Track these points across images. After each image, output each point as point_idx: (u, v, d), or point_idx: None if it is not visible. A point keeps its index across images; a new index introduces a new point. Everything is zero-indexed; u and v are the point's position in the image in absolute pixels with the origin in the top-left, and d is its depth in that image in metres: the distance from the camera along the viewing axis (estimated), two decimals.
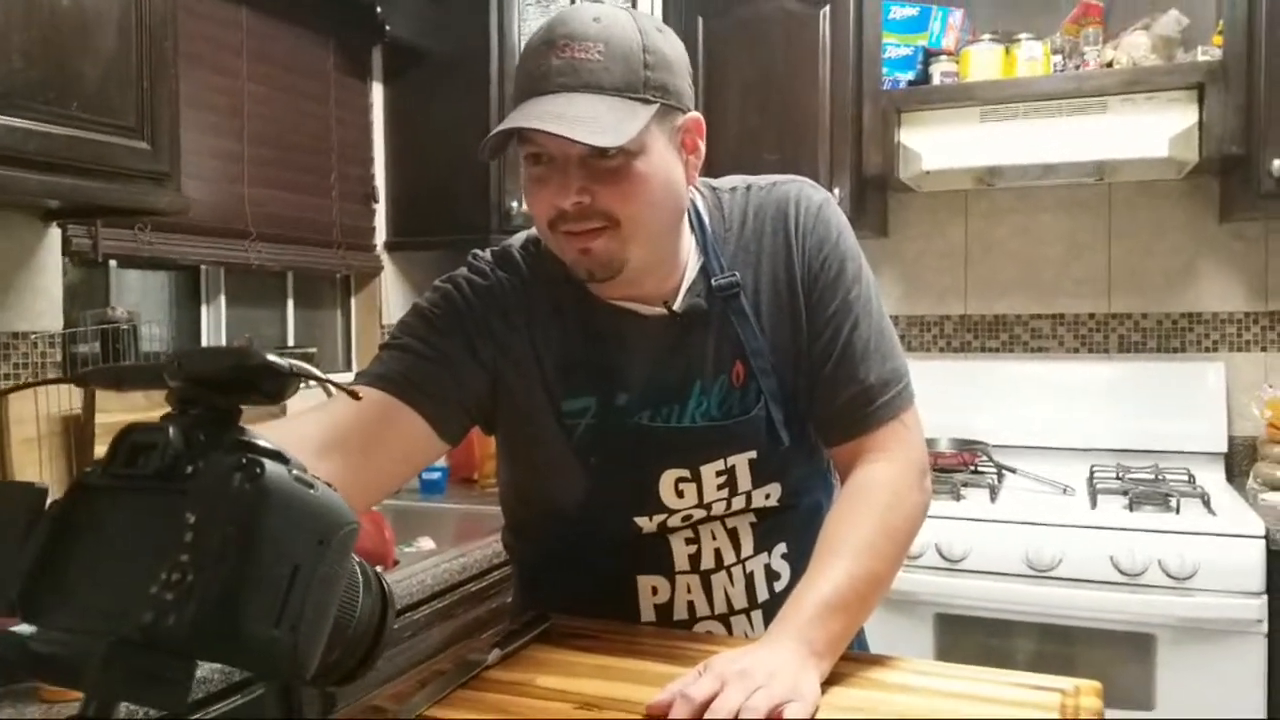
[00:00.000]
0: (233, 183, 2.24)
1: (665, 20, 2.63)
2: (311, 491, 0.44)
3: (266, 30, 2.32)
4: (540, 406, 1.05)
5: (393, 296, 2.76)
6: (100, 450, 1.65)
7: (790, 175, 1.13)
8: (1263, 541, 1.96)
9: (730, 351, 1.06)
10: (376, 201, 2.69)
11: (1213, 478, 2.43)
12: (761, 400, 1.05)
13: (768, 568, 1.10)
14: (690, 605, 1.09)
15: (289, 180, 2.40)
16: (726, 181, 1.13)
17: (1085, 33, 2.50)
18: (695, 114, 1.02)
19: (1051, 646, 2.08)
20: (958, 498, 2.24)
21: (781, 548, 1.11)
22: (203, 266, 2.28)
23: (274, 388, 0.47)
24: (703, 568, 1.08)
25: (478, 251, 1.11)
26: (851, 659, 0.94)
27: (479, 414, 1.06)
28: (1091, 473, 2.43)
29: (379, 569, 1.73)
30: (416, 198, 2.69)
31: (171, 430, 0.45)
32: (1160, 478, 2.35)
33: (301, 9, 2.40)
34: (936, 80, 2.52)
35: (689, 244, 1.07)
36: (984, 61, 2.50)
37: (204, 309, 2.33)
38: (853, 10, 2.50)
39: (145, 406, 1.88)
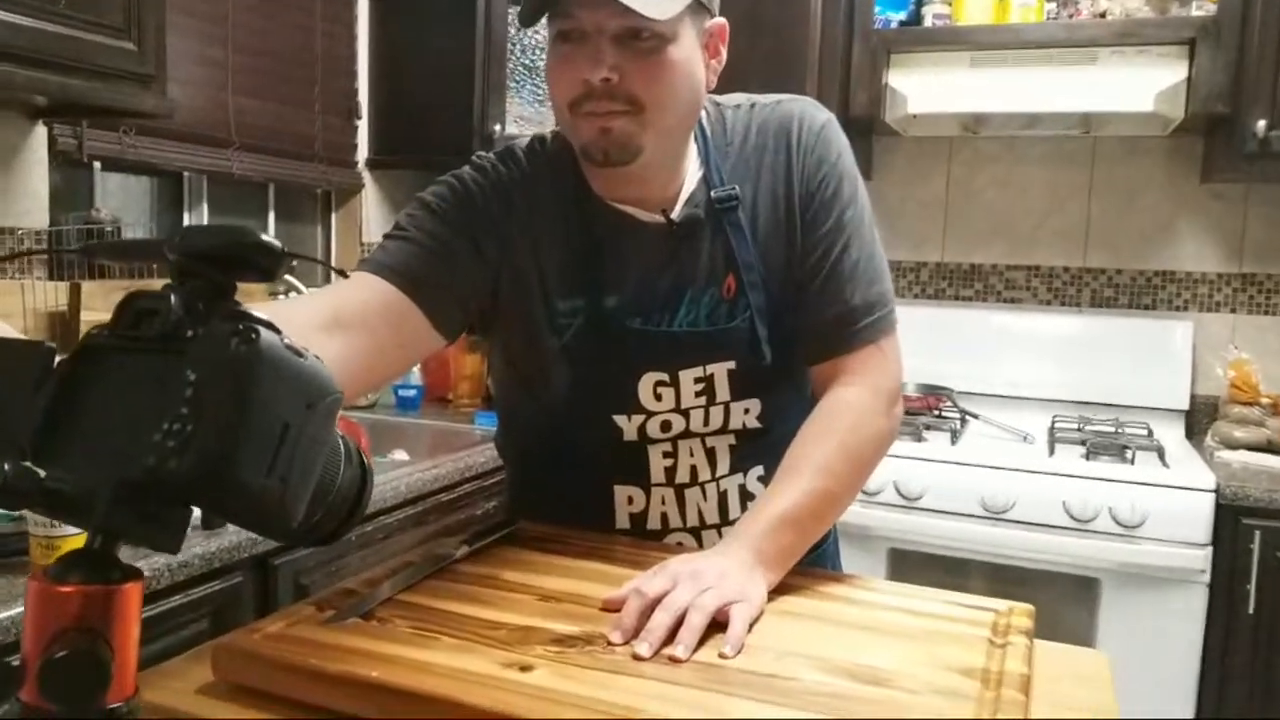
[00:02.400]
0: (217, 90, 2.22)
1: None
2: (301, 359, 0.47)
3: None
4: (536, 303, 1.08)
5: (373, 214, 2.76)
6: None
7: (795, 95, 1.14)
8: (1213, 495, 2.03)
9: (723, 264, 1.08)
10: (359, 117, 2.68)
11: (1172, 433, 2.50)
12: (747, 313, 1.08)
13: (742, 488, 1.14)
14: (664, 516, 1.13)
15: (272, 91, 2.38)
16: (731, 98, 1.15)
17: None
18: (721, 19, 1.05)
19: (1000, 586, 2.15)
20: (919, 439, 2.30)
21: (758, 470, 1.14)
22: (185, 174, 2.28)
23: (267, 264, 0.50)
24: (677, 481, 1.12)
25: (481, 153, 1.12)
26: (803, 573, 0.99)
27: (477, 312, 1.09)
28: (1053, 423, 2.49)
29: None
30: (399, 115, 2.68)
31: (173, 298, 0.48)
32: (1119, 430, 2.41)
33: None
34: (928, 22, 2.52)
35: (692, 154, 1.09)
36: (977, 6, 2.49)
37: (186, 216, 2.33)
38: None
39: None
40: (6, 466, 0.44)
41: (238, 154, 2.26)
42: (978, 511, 2.15)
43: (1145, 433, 2.41)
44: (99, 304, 1.84)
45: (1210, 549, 2.03)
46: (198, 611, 1.35)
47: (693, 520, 1.14)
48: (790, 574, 0.96)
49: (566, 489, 1.14)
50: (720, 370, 1.09)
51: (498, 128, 2.50)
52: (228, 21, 2.23)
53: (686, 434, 1.11)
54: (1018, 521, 2.13)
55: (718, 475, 1.13)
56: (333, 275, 1.85)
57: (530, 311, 1.08)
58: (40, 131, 1.86)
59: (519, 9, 0.95)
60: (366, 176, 2.72)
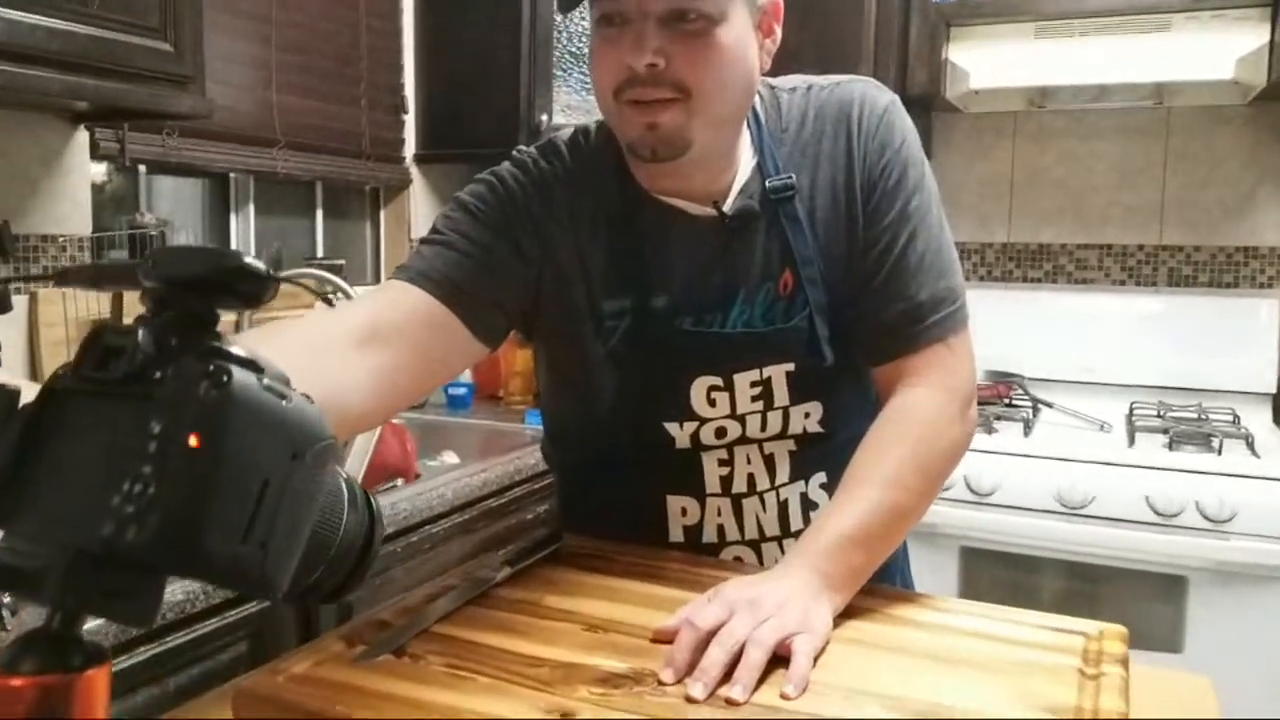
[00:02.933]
0: (261, 89, 2.19)
1: None
2: (284, 403, 0.41)
3: None
4: (580, 304, 1.02)
5: (421, 209, 2.72)
6: None
7: (854, 75, 1.06)
8: None
9: (780, 259, 1.01)
10: (406, 112, 2.64)
11: (1259, 419, 2.35)
12: (806, 310, 1.00)
13: (804, 496, 1.06)
14: (720, 529, 1.06)
15: (317, 88, 2.35)
16: (786, 80, 1.07)
17: None
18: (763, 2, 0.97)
19: (1079, 585, 2.05)
20: (990, 431, 2.19)
21: (820, 477, 1.06)
22: (231, 175, 2.26)
23: (251, 290, 0.44)
24: (734, 491, 1.05)
25: (522, 147, 1.06)
26: (871, 592, 0.91)
27: (520, 317, 1.03)
28: (1131, 410, 2.37)
29: (400, 481, 1.71)
30: (446, 110, 2.63)
31: (141, 333, 0.42)
32: (1204, 417, 2.28)
33: None
34: None
35: (745, 141, 1.02)
36: None
37: (233, 217, 2.31)
38: None
39: None
40: None
41: (283, 153, 2.24)
42: (1054, 507, 2.04)
43: (1231, 419, 2.28)
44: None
45: None
46: (235, 635, 1.30)
47: (751, 533, 1.06)
48: (857, 594, 0.89)
49: (616, 500, 1.08)
50: (778, 373, 1.01)
51: (545, 117, 2.45)
52: (271, 19, 2.20)
53: (743, 440, 1.04)
54: (1097, 517, 2.01)
55: (777, 484, 1.05)
56: (332, 298, 1.81)
57: (574, 314, 1.02)
58: (81, 137, 1.84)
59: None
60: (414, 171, 2.68)
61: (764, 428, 1.03)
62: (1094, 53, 2.28)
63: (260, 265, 0.44)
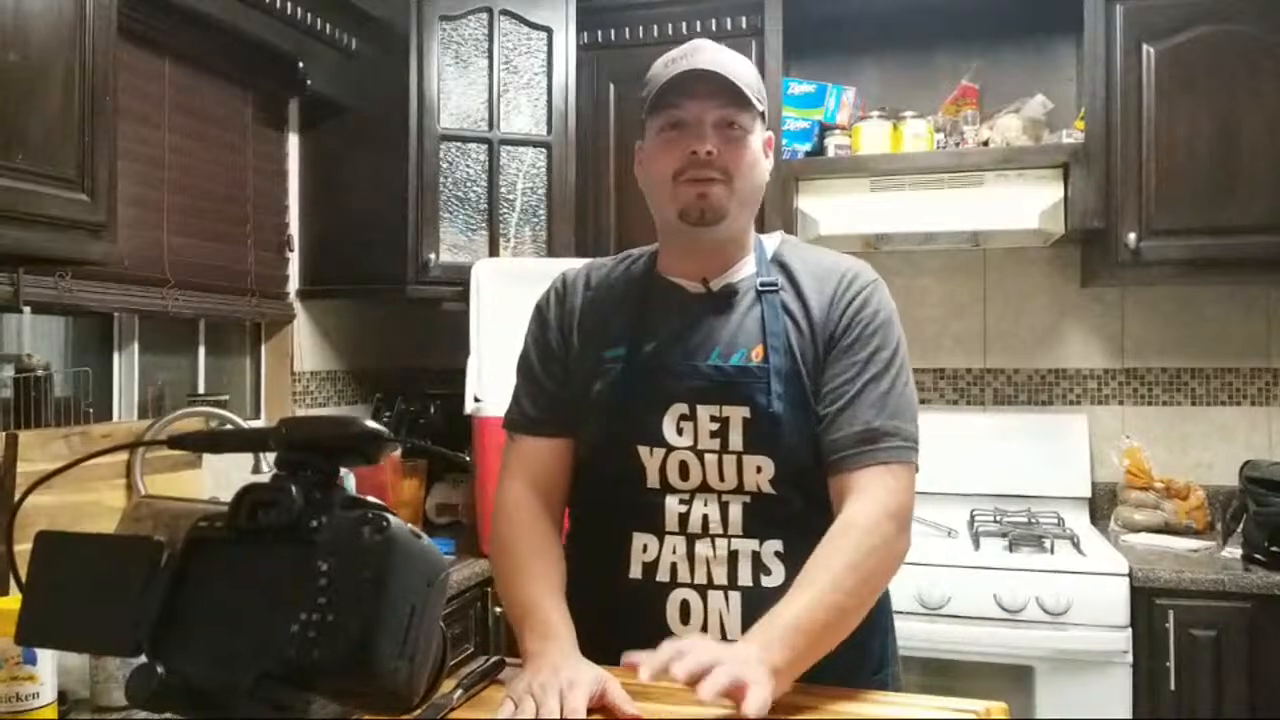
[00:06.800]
0: (152, 231, 2.24)
1: (579, 84, 2.77)
2: (420, 540, 0.52)
3: (188, 82, 2.34)
4: (588, 357, 1.29)
5: (305, 343, 2.77)
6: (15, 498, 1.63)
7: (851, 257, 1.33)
8: (1126, 579, 2.18)
9: (756, 333, 1.23)
10: (291, 250, 2.71)
11: (1079, 520, 2.66)
12: (767, 367, 1.21)
13: (755, 555, 1.21)
14: (673, 568, 1.21)
15: (207, 229, 2.41)
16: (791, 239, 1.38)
17: (963, 113, 2.75)
18: (770, 132, 1.31)
19: (936, 680, 2.23)
20: None
21: (776, 544, 1.21)
22: (116, 314, 2.26)
23: (374, 450, 0.55)
24: (689, 530, 1.21)
25: (566, 271, 1.38)
26: (805, 691, 1.05)
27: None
28: (972, 516, 2.63)
29: None
30: (330, 247, 2.72)
31: (293, 489, 0.53)
32: (1034, 521, 2.56)
33: (224, 62, 2.43)
34: (831, 152, 2.73)
35: (750, 258, 1.29)
36: (874, 136, 2.71)
37: (116, 356, 2.30)
38: None
39: (66, 456, 1.85)
40: (161, 671, 0.47)
41: (172, 292, 2.26)
42: (915, 609, 2.24)
43: (1057, 521, 2.57)
44: (36, 454, 1.80)
45: (1130, 630, 2.16)
46: None
47: (700, 577, 1.21)
48: (795, 690, 1.03)
49: (592, 542, 1.28)
50: (736, 415, 1.20)
51: (432, 256, 2.57)
52: (163, 163, 2.26)
53: (704, 488, 1.21)
54: (953, 615, 2.22)
55: (730, 532, 1.21)
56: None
57: (584, 368, 1.28)
58: None
59: (646, 102, 1.25)
60: (298, 306, 2.73)
61: (721, 476, 1.21)
62: (921, 204, 2.62)
63: (380, 428, 0.55)
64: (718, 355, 1.23)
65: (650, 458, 1.22)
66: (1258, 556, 2.23)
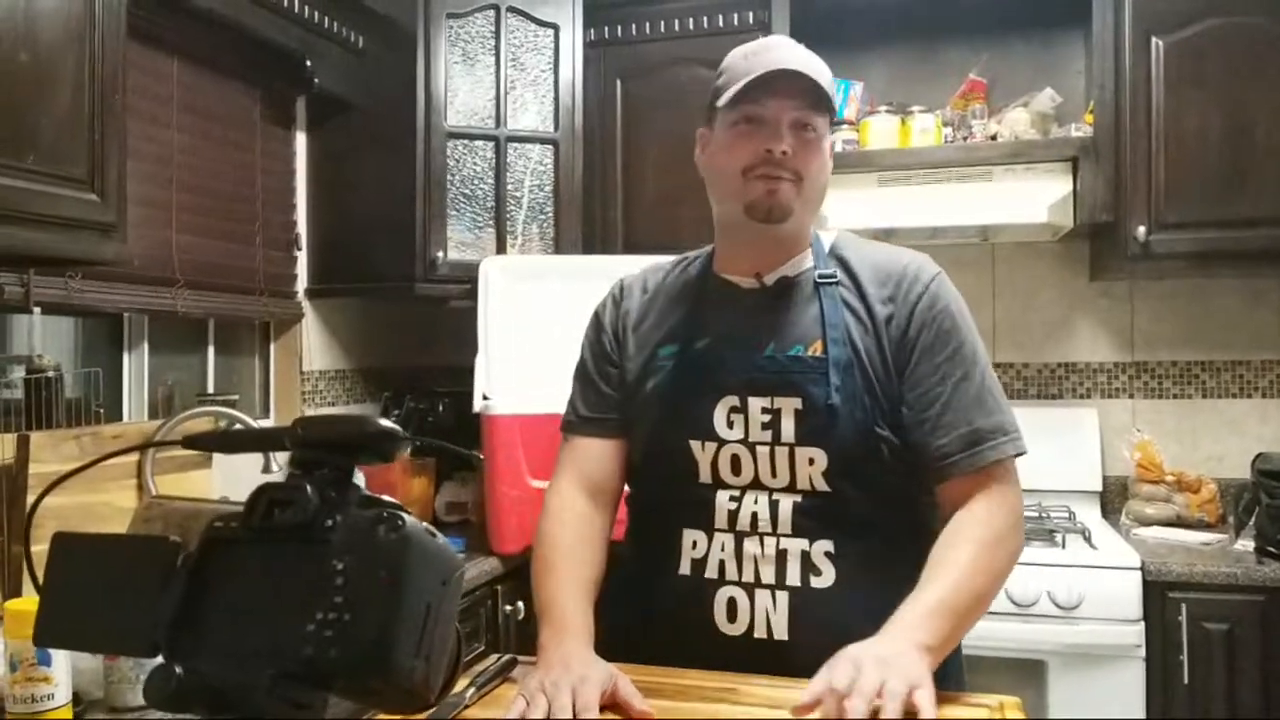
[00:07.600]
0: (161, 230, 2.24)
1: (585, 81, 2.77)
2: (436, 539, 0.52)
3: (196, 81, 2.34)
4: (643, 354, 1.30)
5: (314, 342, 2.77)
6: (31, 499, 1.64)
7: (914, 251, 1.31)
8: (1139, 573, 2.17)
9: (815, 328, 1.22)
10: (300, 249, 2.72)
11: (1090, 514, 2.65)
12: (824, 359, 1.19)
13: (805, 555, 1.19)
14: (721, 565, 1.21)
15: (215, 228, 2.41)
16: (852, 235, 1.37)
17: (972, 107, 2.74)
18: (833, 136, 1.35)
19: None
20: None
21: (827, 545, 1.19)
22: (125, 314, 2.27)
23: (389, 449, 0.55)
24: (738, 527, 1.20)
25: (623, 279, 1.39)
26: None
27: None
28: None
29: None
30: (338, 245, 2.72)
31: (309, 488, 0.53)
32: (1045, 515, 2.56)
33: (232, 60, 2.43)
34: (839, 148, 2.71)
35: (807, 252, 1.28)
36: (882, 131, 2.71)
37: (125, 357, 2.31)
38: None
39: (78, 457, 1.86)
40: (179, 671, 0.47)
41: (181, 292, 2.27)
42: None
43: (1068, 515, 2.56)
44: (48, 455, 1.81)
45: (1142, 624, 2.15)
46: None
47: (748, 575, 1.20)
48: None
49: (647, 539, 1.29)
50: (787, 406, 1.19)
51: (440, 254, 2.57)
52: (172, 163, 2.26)
53: (755, 484, 1.20)
54: None
55: (779, 530, 1.19)
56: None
57: (639, 368, 1.30)
58: None
59: (723, 95, 1.22)
60: (306, 305, 2.74)
61: (774, 471, 1.20)
62: (929, 199, 2.61)
63: (395, 427, 0.55)
64: (772, 348, 1.22)
65: (702, 452, 1.22)
66: (1270, 549, 2.22)
